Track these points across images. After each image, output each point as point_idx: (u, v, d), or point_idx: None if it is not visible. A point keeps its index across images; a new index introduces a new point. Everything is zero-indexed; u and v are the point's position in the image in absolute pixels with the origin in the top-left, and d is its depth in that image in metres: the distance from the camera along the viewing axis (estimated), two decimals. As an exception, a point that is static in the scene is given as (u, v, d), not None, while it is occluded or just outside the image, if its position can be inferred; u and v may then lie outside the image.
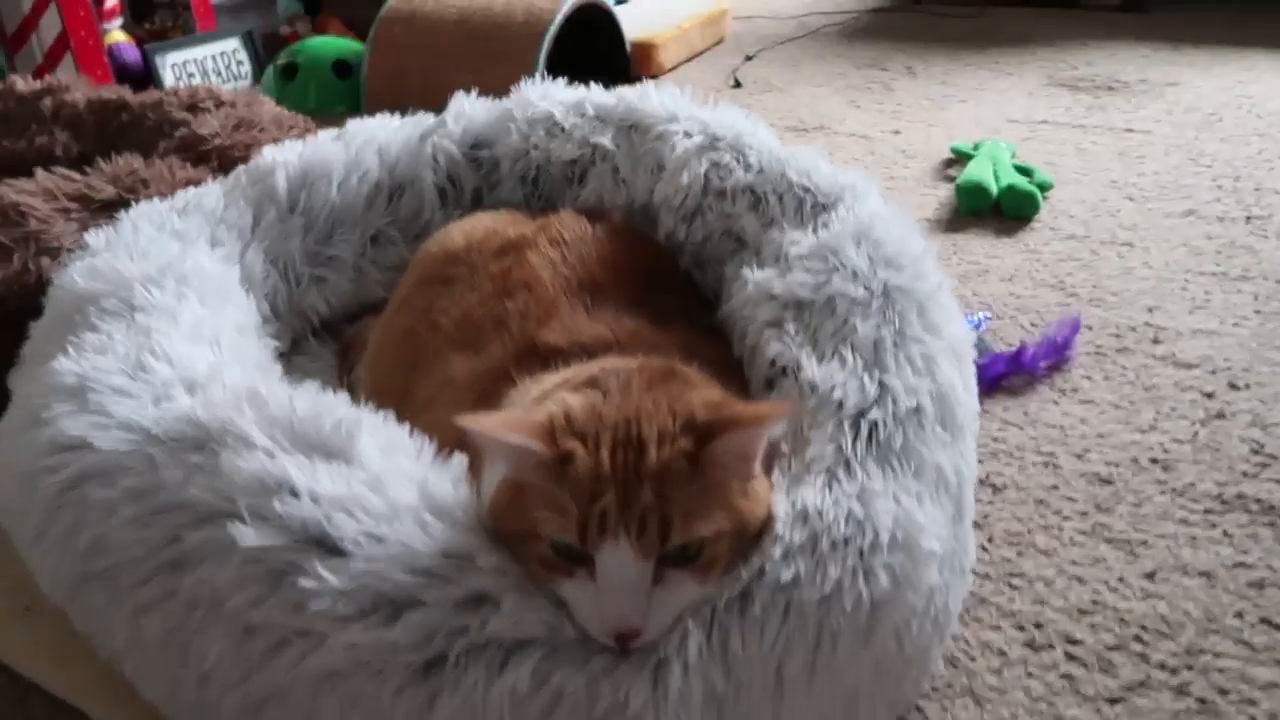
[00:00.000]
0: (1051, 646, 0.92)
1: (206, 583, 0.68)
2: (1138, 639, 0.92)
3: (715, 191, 1.05)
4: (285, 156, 1.18)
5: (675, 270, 1.07)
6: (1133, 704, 0.86)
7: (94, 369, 0.83)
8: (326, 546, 0.67)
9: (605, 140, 1.16)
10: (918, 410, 0.78)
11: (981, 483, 1.12)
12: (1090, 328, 1.41)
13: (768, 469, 0.74)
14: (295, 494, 0.69)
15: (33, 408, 0.83)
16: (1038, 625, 0.94)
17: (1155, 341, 1.37)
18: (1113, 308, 1.46)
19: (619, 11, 2.50)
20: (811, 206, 0.98)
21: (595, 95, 1.23)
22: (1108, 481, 1.12)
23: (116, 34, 2.35)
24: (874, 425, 0.76)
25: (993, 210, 1.77)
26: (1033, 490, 1.11)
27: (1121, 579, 0.99)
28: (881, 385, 0.79)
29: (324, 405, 0.76)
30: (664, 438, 0.67)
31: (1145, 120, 2.17)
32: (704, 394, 0.71)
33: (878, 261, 0.89)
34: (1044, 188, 1.81)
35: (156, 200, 1.13)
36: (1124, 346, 1.36)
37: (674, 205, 1.09)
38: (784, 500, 0.71)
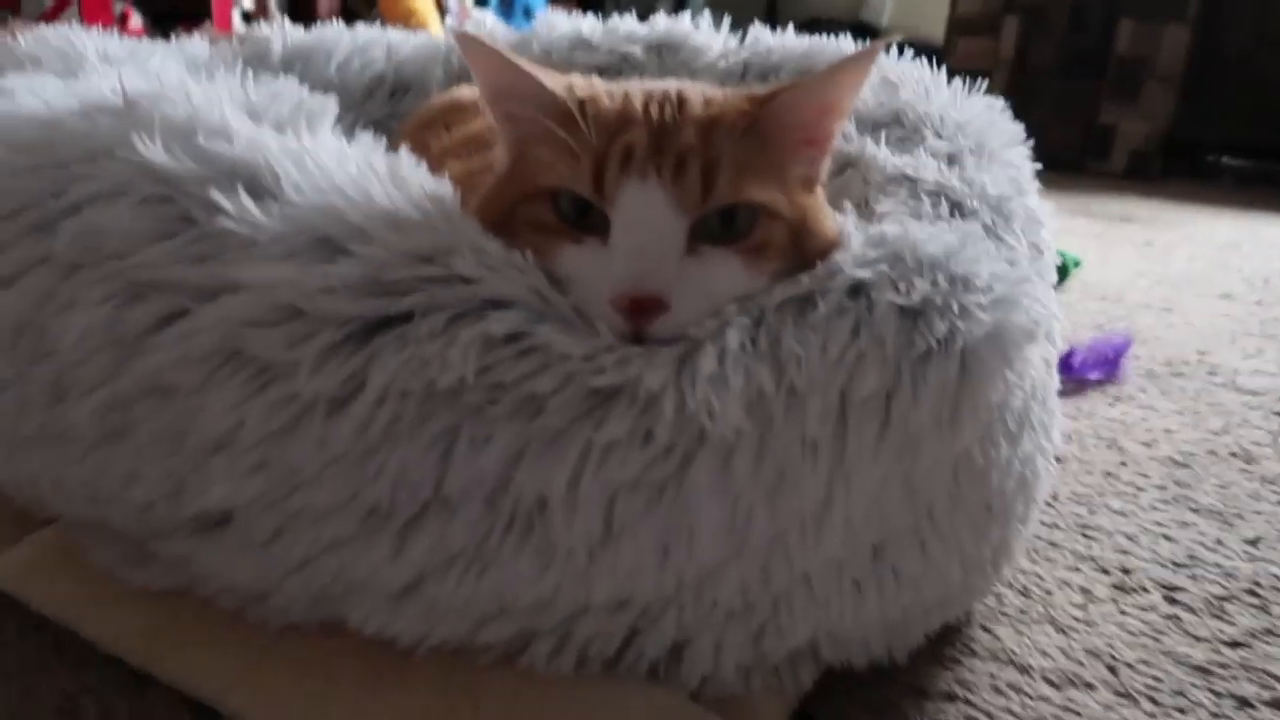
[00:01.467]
0: (1146, 590, 0.73)
1: (88, 231, 0.51)
2: (1252, 593, 0.73)
3: (757, 73, 0.94)
4: (285, 29, 1.08)
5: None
6: (1260, 649, 0.66)
7: (8, 84, 0.68)
8: (258, 190, 0.50)
9: (635, 50, 1.07)
10: (1007, 213, 0.64)
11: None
12: (1138, 358, 1.27)
13: None
14: (229, 139, 0.53)
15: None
16: (1125, 570, 0.75)
17: (1211, 374, 1.23)
18: (1160, 347, 1.33)
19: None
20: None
21: (627, 22, 1.14)
22: (1184, 465, 0.95)
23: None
24: (957, 205, 0.61)
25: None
26: (1098, 465, 0.94)
27: (1220, 541, 0.80)
28: (963, 179, 0.65)
29: (287, 89, 0.61)
30: (712, 100, 0.52)
31: (1164, 241, 2.13)
32: None
33: (949, 105, 0.77)
34: (1075, 264, 1.73)
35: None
36: (1179, 372, 1.22)
37: (709, 99, 0.98)
38: (857, 232, 0.55)
